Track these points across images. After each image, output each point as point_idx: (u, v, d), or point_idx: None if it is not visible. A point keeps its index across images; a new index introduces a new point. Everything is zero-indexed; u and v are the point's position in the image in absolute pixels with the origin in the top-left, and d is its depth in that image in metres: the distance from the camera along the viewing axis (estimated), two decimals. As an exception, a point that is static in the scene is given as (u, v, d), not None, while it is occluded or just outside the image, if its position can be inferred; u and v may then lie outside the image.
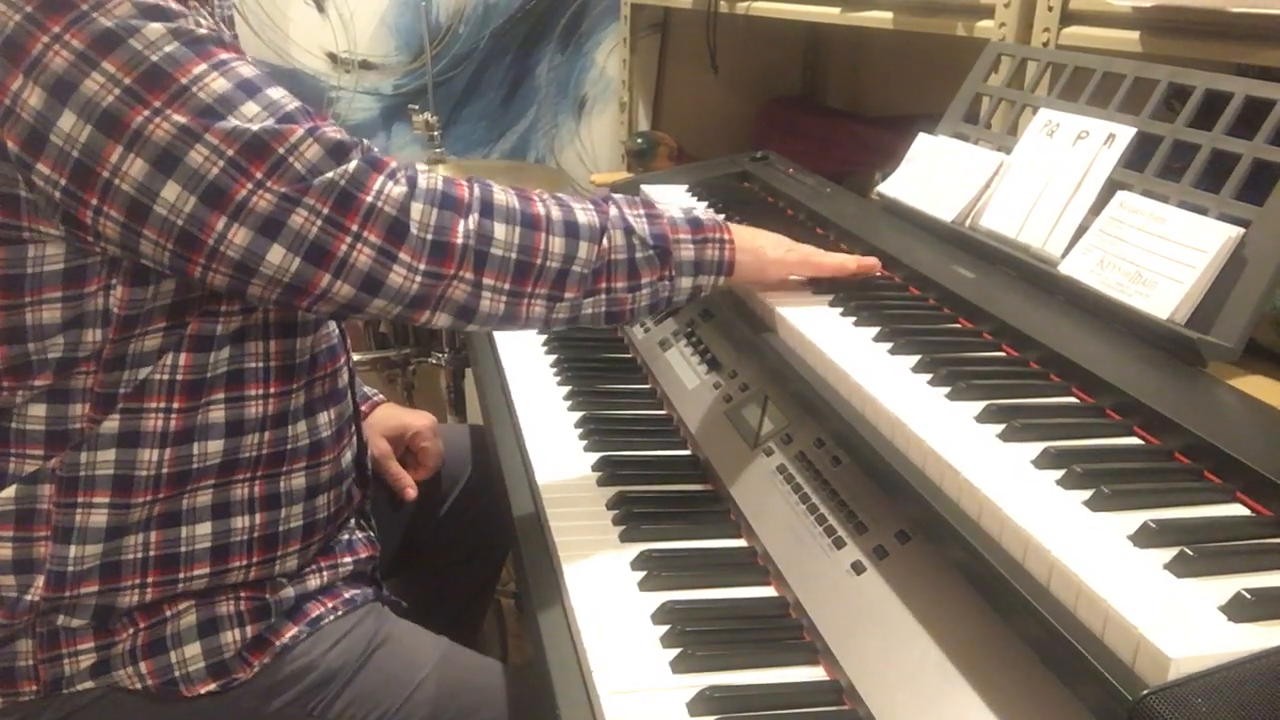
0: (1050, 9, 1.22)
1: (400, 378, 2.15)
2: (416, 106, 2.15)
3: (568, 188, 2.52)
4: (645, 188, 1.60)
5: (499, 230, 0.92)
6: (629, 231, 0.98)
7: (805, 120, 2.33)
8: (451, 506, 1.43)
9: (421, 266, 0.89)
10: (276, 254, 0.85)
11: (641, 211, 1.00)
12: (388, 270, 0.88)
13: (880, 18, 1.53)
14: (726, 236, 1.03)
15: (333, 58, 2.42)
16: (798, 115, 2.38)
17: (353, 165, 0.87)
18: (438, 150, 2.11)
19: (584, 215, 0.97)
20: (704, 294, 1.04)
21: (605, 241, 0.96)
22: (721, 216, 1.06)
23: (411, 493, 1.33)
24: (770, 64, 2.51)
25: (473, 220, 0.91)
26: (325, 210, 0.85)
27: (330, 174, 0.85)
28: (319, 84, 2.43)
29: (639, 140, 2.34)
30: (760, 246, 1.06)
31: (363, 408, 1.34)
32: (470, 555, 1.47)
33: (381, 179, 0.88)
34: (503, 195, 0.94)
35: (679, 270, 1.00)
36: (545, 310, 0.96)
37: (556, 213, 0.95)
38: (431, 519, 1.41)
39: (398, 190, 0.88)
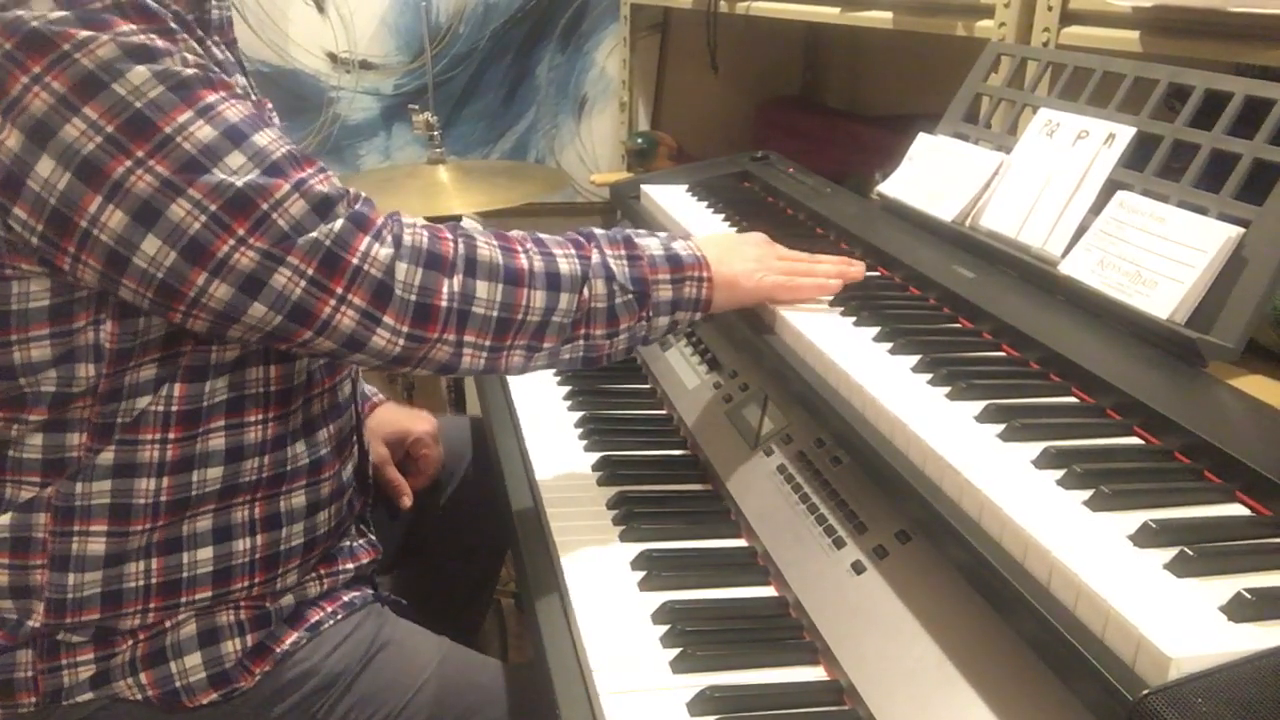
0: (1050, 9, 1.22)
1: (401, 377, 2.15)
2: (416, 106, 2.15)
3: (567, 188, 2.52)
4: (645, 188, 1.60)
5: (482, 289, 0.91)
6: (610, 278, 0.97)
7: (805, 120, 2.33)
8: (450, 500, 1.43)
9: (405, 329, 0.88)
10: (258, 310, 0.85)
11: (623, 252, 0.99)
12: (371, 333, 0.87)
13: (880, 17, 1.53)
14: (705, 274, 1.01)
15: (333, 58, 2.42)
16: (797, 115, 2.38)
17: (338, 225, 0.85)
18: (438, 150, 2.11)
19: (566, 264, 0.95)
20: (680, 329, 1.03)
21: (586, 291, 0.95)
22: (721, 217, 1.04)
23: (407, 501, 1.32)
24: (770, 64, 2.51)
25: (457, 281, 0.90)
26: (310, 271, 0.84)
27: (315, 233, 0.84)
28: (319, 84, 2.43)
29: (639, 140, 2.34)
30: (735, 277, 1.03)
31: (362, 409, 1.34)
32: (470, 550, 1.46)
33: (368, 240, 0.87)
34: (486, 249, 0.93)
35: (656, 311, 0.99)
36: (523, 359, 0.96)
37: (539, 263, 0.94)
38: (431, 512, 1.41)
39: (384, 252, 0.87)
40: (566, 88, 2.59)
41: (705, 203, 1.51)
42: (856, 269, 1.10)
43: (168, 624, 0.95)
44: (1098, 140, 1.07)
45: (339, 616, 1.04)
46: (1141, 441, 0.80)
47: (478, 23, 2.48)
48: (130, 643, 0.95)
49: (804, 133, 2.28)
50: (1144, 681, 0.57)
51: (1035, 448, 0.77)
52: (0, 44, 0.78)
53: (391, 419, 1.35)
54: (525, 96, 2.57)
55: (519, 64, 2.54)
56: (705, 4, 2.01)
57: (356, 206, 0.88)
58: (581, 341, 0.97)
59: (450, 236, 0.92)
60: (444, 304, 0.89)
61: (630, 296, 0.97)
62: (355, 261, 0.86)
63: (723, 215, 1.43)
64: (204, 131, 0.82)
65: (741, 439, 1.11)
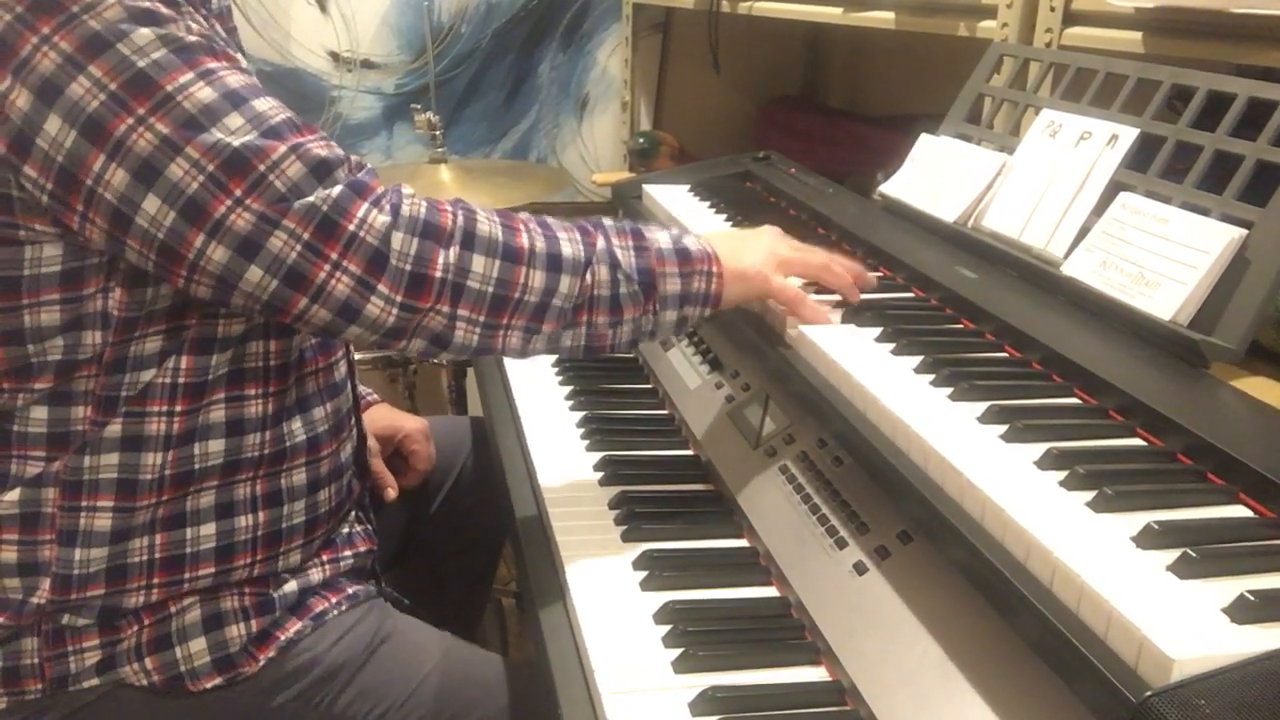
0: (1053, 9, 1.22)
1: (402, 377, 2.15)
2: (419, 105, 2.15)
3: (568, 188, 2.52)
4: (647, 187, 1.60)
5: (478, 263, 0.90)
6: (614, 266, 0.95)
7: (807, 120, 2.33)
8: (447, 496, 1.43)
9: (399, 299, 0.88)
10: (255, 274, 0.85)
11: (630, 242, 0.98)
12: (365, 300, 0.87)
13: (882, 18, 1.53)
14: (715, 269, 0.99)
15: (335, 57, 2.42)
16: (799, 115, 2.38)
17: (336, 190, 0.85)
18: (439, 149, 2.11)
19: (569, 247, 0.94)
20: (689, 324, 1.01)
21: (589, 276, 0.94)
22: (723, 217, 1.04)
23: (392, 493, 1.32)
24: (772, 64, 2.51)
25: (453, 252, 0.89)
26: (305, 235, 0.85)
27: (312, 197, 0.84)
28: (321, 83, 2.43)
29: (641, 140, 2.34)
30: (744, 270, 1.01)
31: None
32: (467, 545, 1.47)
33: (365, 206, 0.86)
34: (486, 224, 0.92)
35: (663, 304, 0.98)
36: (521, 341, 0.94)
37: (540, 244, 0.93)
38: (428, 509, 1.41)
39: (381, 219, 0.87)
40: (568, 87, 2.59)
41: (707, 202, 1.51)
42: (869, 277, 1.09)
43: (172, 607, 0.96)
44: (1100, 141, 1.07)
45: (343, 608, 1.05)
46: (1144, 443, 0.80)
47: (479, 22, 2.48)
48: (135, 627, 0.96)
49: (806, 133, 2.28)
50: (1146, 683, 0.57)
51: (1038, 449, 0.77)
52: (12, 7, 0.80)
53: (384, 415, 1.36)
54: (527, 96, 2.57)
55: (521, 63, 2.54)
56: (707, 4, 2.01)
57: (358, 175, 0.88)
58: (583, 329, 0.96)
59: (450, 209, 0.92)
60: (438, 274, 0.89)
61: (636, 286, 0.96)
62: (351, 228, 0.86)
63: (724, 215, 1.43)
64: (204, 92, 0.83)
65: (743, 439, 1.11)
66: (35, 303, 0.88)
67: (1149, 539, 0.66)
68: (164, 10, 0.83)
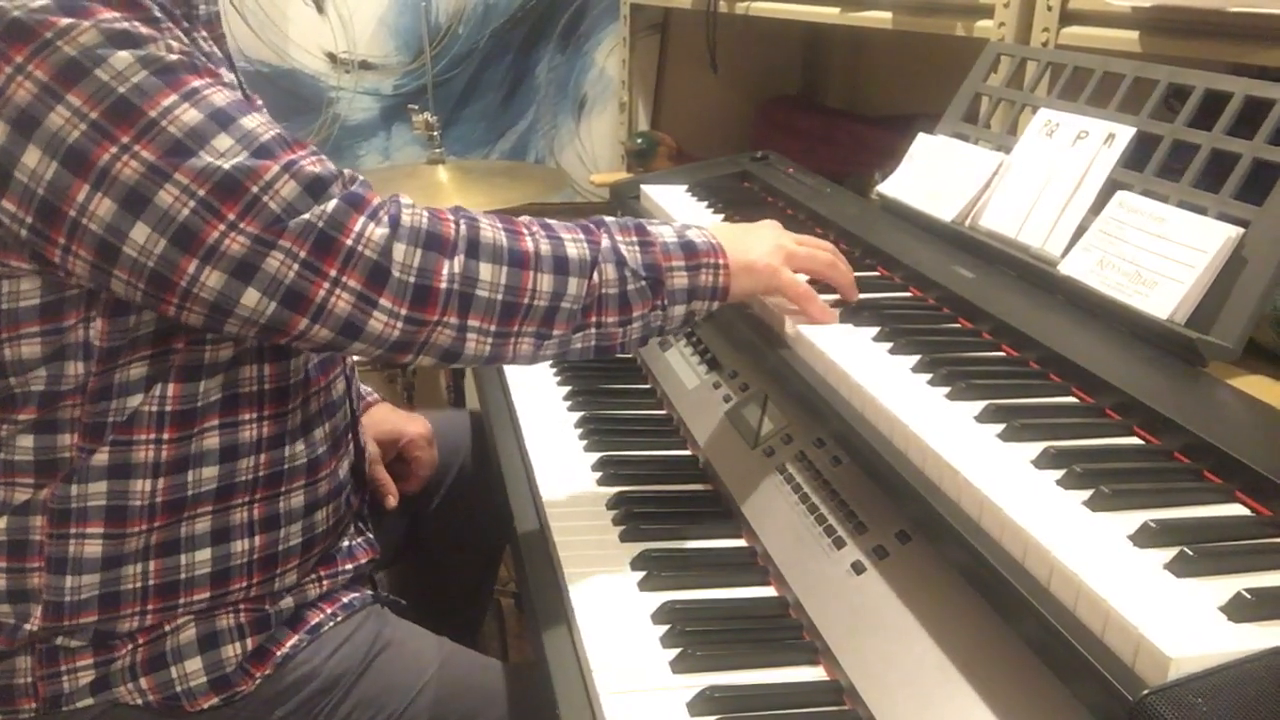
0: (1049, 9, 1.22)
1: (400, 377, 2.15)
2: (416, 106, 2.15)
3: (566, 189, 2.52)
4: (645, 188, 1.60)
5: (485, 271, 0.88)
6: (620, 264, 0.94)
7: (805, 120, 2.33)
8: (448, 493, 1.42)
9: (403, 312, 0.86)
10: (251, 297, 0.83)
11: (634, 238, 0.96)
12: (368, 316, 0.85)
13: (880, 18, 1.53)
14: (721, 261, 0.98)
15: (332, 58, 2.42)
16: (797, 115, 2.38)
17: (331, 205, 0.83)
18: (437, 150, 2.11)
19: (574, 248, 0.93)
20: (698, 318, 1.00)
21: (596, 276, 0.93)
22: (720, 217, 1.04)
23: (392, 501, 1.30)
24: (770, 64, 2.51)
25: (458, 262, 0.87)
26: (302, 254, 0.82)
27: (307, 215, 0.82)
28: (318, 84, 2.43)
29: (639, 140, 2.34)
30: (752, 263, 1.00)
31: (358, 406, 1.33)
32: (468, 544, 1.46)
33: (362, 220, 0.84)
34: (490, 231, 0.90)
35: (671, 299, 0.96)
36: (533, 348, 0.93)
37: (545, 247, 0.92)
38: (428, 506, 1.40)
39: (379, 232, 0.85)
40: (566, 88, 2.59)
41: (705, 203, 1.51)
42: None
43: (167, 627, 0.95)
44: (1097, 140, 1.07)
45: (339, 618, 1.04)
46: (1141, 441, 0.80)
47: (477, 23, 2.48)
48: (129, 647, 0.94)
49: (804, 133, 2.28)
50: (1144, 681, 0.57)
51: (1035, 448, 0.77)
52: None
53: (386, 419, 1.34)
54: (525, 97, 2.57)
55: (518, 64, 2.54)
56: (705, 4, 2.01)
57: (352, 187, 0.86)
58: (593, 329, 0.94)
59: (452, 218, 0.90)
60: (444, 285, 0.87)
61: (643, 283, 0.94)
62: (349, 243, 0.84)
63: (722, 215, 1.43)
64: (190, 115, 0.80)
65: (741, 439, 1.11)
66: (14, 336, 0.86)
67: (1146, 537, 0.66)
68: (143, 30, 0.80)
